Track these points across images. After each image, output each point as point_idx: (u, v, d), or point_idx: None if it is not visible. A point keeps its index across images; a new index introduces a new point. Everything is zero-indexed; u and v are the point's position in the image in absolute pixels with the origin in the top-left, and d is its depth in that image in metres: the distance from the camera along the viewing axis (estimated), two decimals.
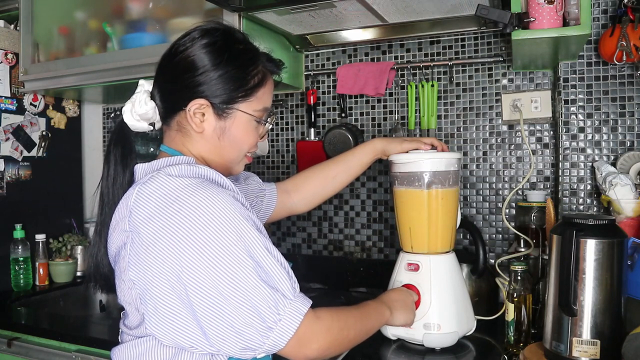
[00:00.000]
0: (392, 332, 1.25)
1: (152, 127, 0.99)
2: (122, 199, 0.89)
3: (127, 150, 0.97)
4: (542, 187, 1.59)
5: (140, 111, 0.96)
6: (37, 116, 1.99)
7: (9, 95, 1.89)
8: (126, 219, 0.85)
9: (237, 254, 0.80)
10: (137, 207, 0.84)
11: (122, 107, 0.98)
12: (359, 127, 1.80)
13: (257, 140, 1.02)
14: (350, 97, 1.81)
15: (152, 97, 0.97)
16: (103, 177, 0.96)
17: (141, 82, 0.99)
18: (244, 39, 0.98)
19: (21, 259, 1.87)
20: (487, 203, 1.66)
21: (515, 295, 1.20)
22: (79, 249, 2.05)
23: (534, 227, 1.47)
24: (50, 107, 2.05)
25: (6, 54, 1.88)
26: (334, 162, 1.31)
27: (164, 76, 0.97)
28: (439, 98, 1.69)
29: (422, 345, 1.21)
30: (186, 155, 0.94)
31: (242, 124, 0.97)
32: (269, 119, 1.03)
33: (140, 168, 0.94)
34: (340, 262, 1.84)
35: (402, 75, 1.73)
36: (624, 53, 1.29)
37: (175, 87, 0.94)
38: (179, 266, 0.80)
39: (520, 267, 1.21)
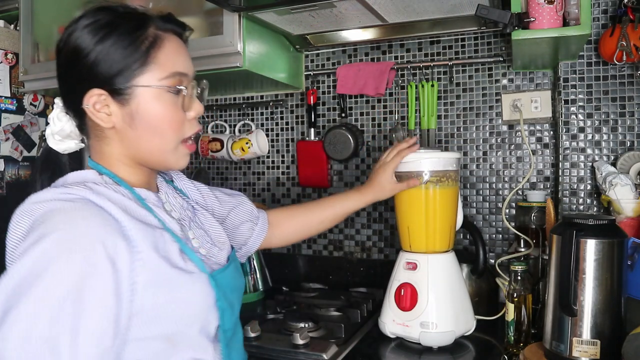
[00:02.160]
0: (390, 331, 1.25)
1: (83, 144, 0.90)
2: None
3: (57, 175, 0.85)
4: (542, 187, 1.59)
5: (55, 129, 0.87)
6: (37, 116, 1.99)
7: (9, 95, 1.89)
8: None
9: None
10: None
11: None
12: (359, 127, 1.80)
13: (183, 116, 0.85)
14: (350, 97, 1.81)
15: (66, 110, 0.87)
16: None
17: (57, 99, 0.89)
18: (128, 7, 0.84)
19: None
20: (487, 203, 1.66)
21: (515, 295, 1.20)
22: None
23: (534, 227, 1.47)
24: (50, 107, 2.05)
25: (6, 54, 1.88)
26: (321, 207, 1.25)
27: (59, 78, 0.85)
28: (439, 98, 1.69)
29: (420, 343, 1.21)
30: (104, 166, 0.84)
31: (150, 100, 0.82)
32: (189, 85, 0.85)
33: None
34: (340, 262, 1.84)
35: (402, 75, 1.73)
36: (624, 53, 1.29)
37: (69, 84, 0.83)
38: None
39: (520, 267, 1.21)
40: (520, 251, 1.41)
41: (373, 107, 1.79)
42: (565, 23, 1.22)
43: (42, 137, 1.92)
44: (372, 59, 1.78)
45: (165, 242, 0.79)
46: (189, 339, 0.81)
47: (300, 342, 1.22)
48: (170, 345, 0.79)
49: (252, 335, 1.28)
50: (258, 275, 1.75)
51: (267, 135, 1.93)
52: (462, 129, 1.67)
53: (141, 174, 0.88)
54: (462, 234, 1.66)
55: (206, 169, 2.06)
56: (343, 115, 1.81)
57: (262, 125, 1.96)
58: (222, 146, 1.89)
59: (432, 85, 1.67)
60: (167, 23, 0.86)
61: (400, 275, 1.26)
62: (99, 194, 0.75)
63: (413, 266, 1.24)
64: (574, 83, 1.47)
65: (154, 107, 0.82)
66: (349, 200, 1.26)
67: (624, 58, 1.29)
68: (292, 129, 1.92)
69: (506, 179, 1.63)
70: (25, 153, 1.96)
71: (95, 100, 0.80)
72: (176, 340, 0.79)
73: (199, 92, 0.89)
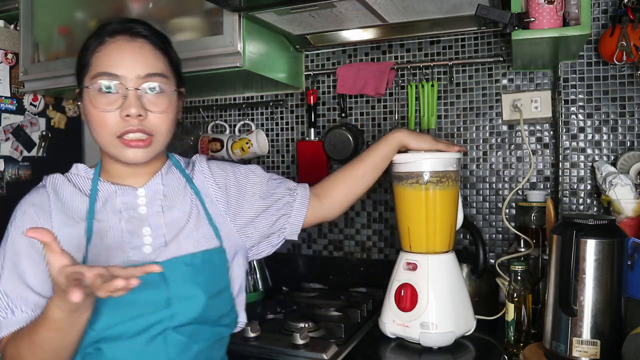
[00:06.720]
0: (390, 331, 1.25)
1: None
2: None
3: None
4: (542, 187, 1.59)
5: None
6: (37, 116, 1.99)
7: (9, 95, 1.89)
8: None
9: None
10: None
11: None
12: (359, 127, 1.80)
13: (114, 114, 0.90)
14: (350, 97, 1.81)
15: None
16: None
17: None
18: (104, 22, 0.96)
19: None
20: (487, 203, 1.66)
21: (515, 295, 1.20)
22: None
23: (534, 227, 1.47)
24: (50, 107, 2.05)
25: (6, 54, 1.88)
26: (359, 161, 1.24)
27: None
28: (439, 98, 1.69)
29: (420, 344, 1.21)
30: (102, 158, 1.00)
31: (87, 99, 0.93)
32: (118, 85, 0.91)
33: None
34: (340, 262, 1.84)
35: (402, 75, 1.73)
36: (624, 53, 1.29)
37: None
38: None
39: (520, 267, 1.21)
40: (520, 251, 1.41)
41: (373, 107, 1.79)
42: (565, 23, 1.22)
43: (43, 137, 1.95)
44: (372, 59, 1.78)
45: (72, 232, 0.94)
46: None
47: (300, 342, 1.22)
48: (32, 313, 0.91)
49: (252, 335, 1.28)
50: (258, 275, 1.75)
51: (267, 135, 1.93)
52: (462, 129, 1.67)
53: (119, 167, 0.98)
54: (462, 234, 1.66)
55: None
56: (343, 115, 1.81)
57: (262, 125, 1.96)
58: (222, 146, 1.89)
59: (432, 85, 1.67)
60: (116, 28, 0.94)
61: (400, 276, 1.26)
62: (52, 183, 0.99)
63: (413, 266, 1.24)
64: (574, 83, 1.47)
65: (87, 105, 0.93)
66: (383, 144, 1.24)
67: (624, 58, 1.29)
68: (292, 129, 1.92)
69: (506, 179, 1.63)
70: (25, 153, 1.95)
71: (76, 97, 0.98)
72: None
73: (152, 91, 0.93)
